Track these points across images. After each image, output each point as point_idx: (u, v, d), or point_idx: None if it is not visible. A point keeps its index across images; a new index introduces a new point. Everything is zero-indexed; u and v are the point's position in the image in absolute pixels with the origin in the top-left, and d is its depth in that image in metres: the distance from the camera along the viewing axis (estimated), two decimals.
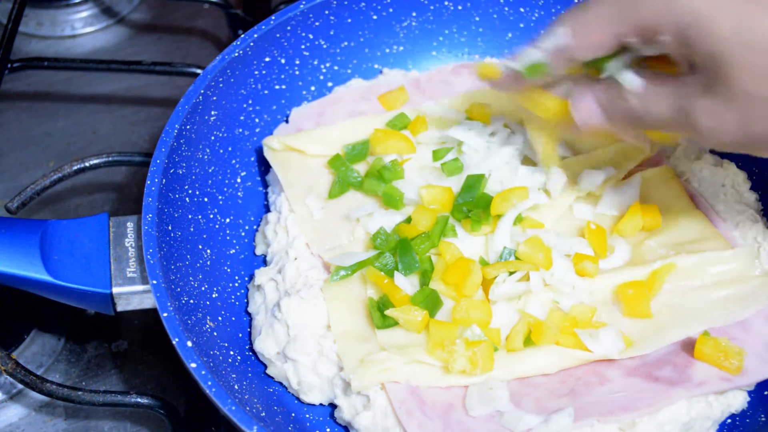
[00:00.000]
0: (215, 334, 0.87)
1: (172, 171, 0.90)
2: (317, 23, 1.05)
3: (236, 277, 0.96)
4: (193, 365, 0.76)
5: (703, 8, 0.67)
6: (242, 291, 0.96)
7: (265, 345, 0.88)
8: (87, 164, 0.99)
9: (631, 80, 0.75)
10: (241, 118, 1.01)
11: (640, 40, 0.73)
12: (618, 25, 0.73)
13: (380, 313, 0.84)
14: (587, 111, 0.79)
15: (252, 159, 1.03)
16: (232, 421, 0.74)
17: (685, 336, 0.85)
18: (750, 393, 0.86)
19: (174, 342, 0.77)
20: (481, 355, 0.80)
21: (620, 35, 0.73)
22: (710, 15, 0.67)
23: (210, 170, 0.97)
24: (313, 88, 1.08)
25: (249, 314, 0.94)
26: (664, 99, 0.73)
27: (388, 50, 1.11)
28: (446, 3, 1.11)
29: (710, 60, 0.68)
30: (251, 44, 0.99)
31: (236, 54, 0.98)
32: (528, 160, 0.95)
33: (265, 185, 1.03)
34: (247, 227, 1.00)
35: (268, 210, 1.01)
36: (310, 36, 1.06)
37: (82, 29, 1.36)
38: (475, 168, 0.94)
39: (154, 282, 0.81)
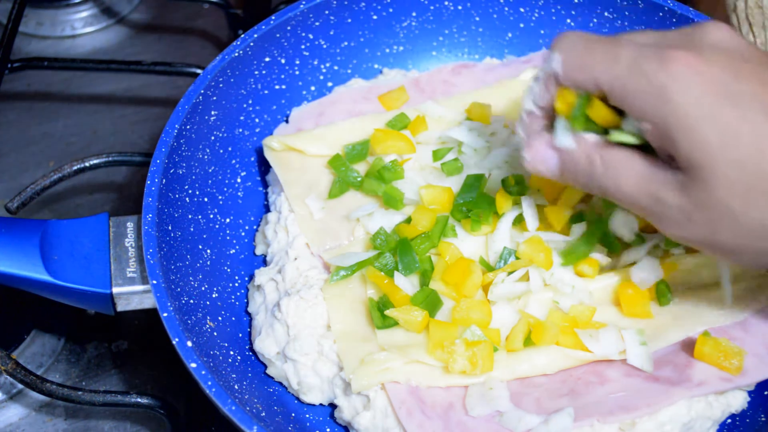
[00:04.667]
0: (215, 334, 0.87)
1: (172, 171, 0.90)
2: (317, 23, 1.05)
3: (236, 277, 0.96)
4: (193, 365, 0.76)
5: (694, 113, 0.66)
6: (242, 291, 0.96)
7: (265, 345, 0.88)
8: (87, 164, 0.99)
9: (592, 135, 0.73)
10: (241, 118, 1.01)
11: (620, 106, 0.70)
12: (607, 83, 0.70)
13: (380, 313, 0.84)
14: (541, 155, 0.76)
15: (252, 159, 1.03)
16: (232, 421, 0.74)
17: (685, 336, 0.85)
18: (750, 393, 0.86)
19: (174, 342, 0.77)
20: (480, 355, 0.80)
21: (605, 91, 0.70)
22: (700, 122, 0.65)
23: (210, 170, 0.97)
24: (313, 88, 1.08)
25: (249, 314, 0.94)
26: (634, 177, 0.71)
27: (388, 50, 1.12)
28: (446, 3, 1.11)
29: (690, 165, 0.67)
30: (251, 44, 0.99)
31: (236, 54, 0.98)
32: None
33: (265, 185, 1.03)
34: (247, 227, 1.00)
35: (268, 210, 1.01)
36: (310, 36, 1.06)
37: (82, 29, 1.36)
38: (475, 168, 0.94)
39: (154, 282, 0.81)
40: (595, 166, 0.73)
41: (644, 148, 0.71)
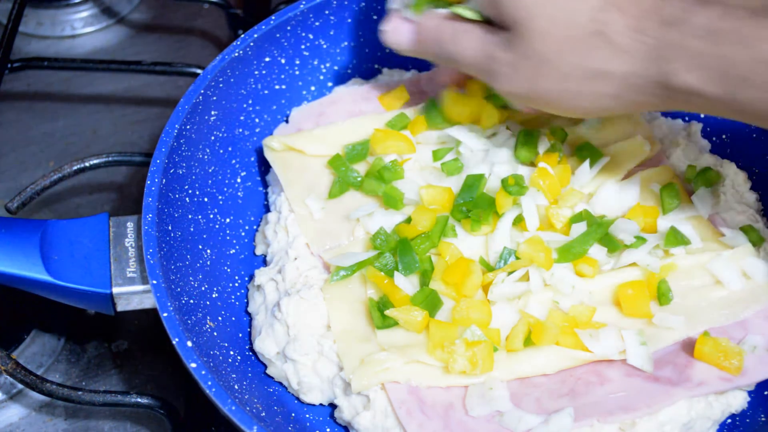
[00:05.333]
0: (215, 334, 0.87)
1: (172, 171, 0.90)
2: (317, 23, 1.05)
3: (236, 277, 0.96)
4: (193, 365, 0.76)
5: None
6: (242, 291, 0.96)
7: (265, 345, 0.88)
8: (87, 164, 0.99)
9: (443, 9, 0.84)
10: (241, 118, 1.01)
11: None
12: None
13: (380, 313, 0.84)
14: (396, 30, 0.88)
15: (252, 159, 1.03)
16: (232, 421, 0.74)
17: (685, 336, 0.85)
18: (750, 393, 0.86)
19: (174, 342, 0.77)
20: (480, 355, 0.80)
21: None
22: None
23: (210, 170, 0.97)
24: (313, 88, 1.08)
25: (249, 314, 0.94)
26: (474, 41, 0.82)
27: (388, 50, 1.11)
28: None
29: (513, 22, 0.77)
30: (251, 44, 0.99)
31: (236, 54, 0.98)
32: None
33: (265, 185, 1.03)
34: (247, 227, 1.00)
35: (268, 210, 1.01)
36: (310, 36, 1.06)
37: (82, 29, 1.36)
38: (475, 168, 0.94)
39: (154, 282, 0.81)
40: (443, 34, 0.84)
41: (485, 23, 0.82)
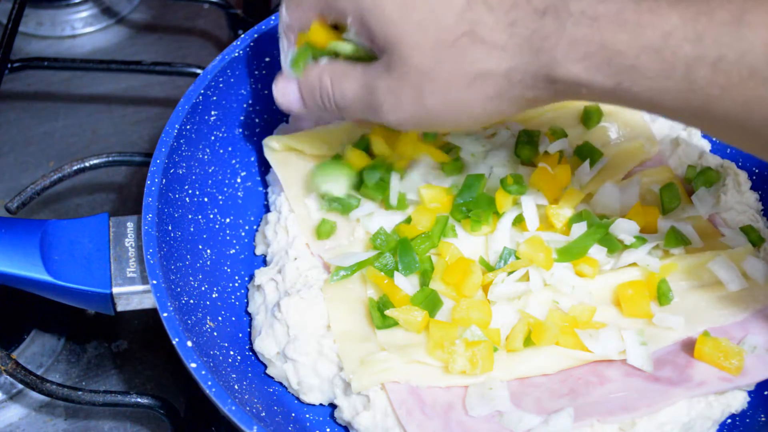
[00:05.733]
0: (215, 334, 0.87)
1: (172, 171, 0.90)
2: None
3: (236, 277, 0.96)
4: (193, 365, 0.76)
5: None
6: (242, 291, 0.96)
7: (265, 345, 0.88)
8: (87, 164, 0.99)
9: (323, 59, 0.80)
10: (241, 118, 1.01)
11: (337, 21, 0.78)
12: (317, 7, 0.79)
13: (380, 313, 0.84)
14: (282, 92, 0.84)
15: (252, 159, 1.03)
16: (232, 421, 0.74)
17: (685, 336, 0.85)
18: (750, 393, 0.86)
19: (174, 342, 0.77)
20: (480, 355, 0.80)
21: (320, 15, 0.79)
22: (380, 2, 0.72)
23: (210, 170, 0.97)
24: None
25: (249, 314, 0.94)
26: (353, 80, 0.77)
27: None
28: None
29: (385, 42, 0.73)
30: (251, 44, 0.99)
31: (236, 54, 0.98)
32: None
33: (265, 185, 1.03)
34: (247, 227, 1.00)
35: (268, 210, 1.01)
36: None
37: (82, 29, 1.36)
38: (475, 168, 0.94)
39: (154, 282, 0.81)
40: (324, 83, 0.80)
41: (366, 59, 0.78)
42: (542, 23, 0.68)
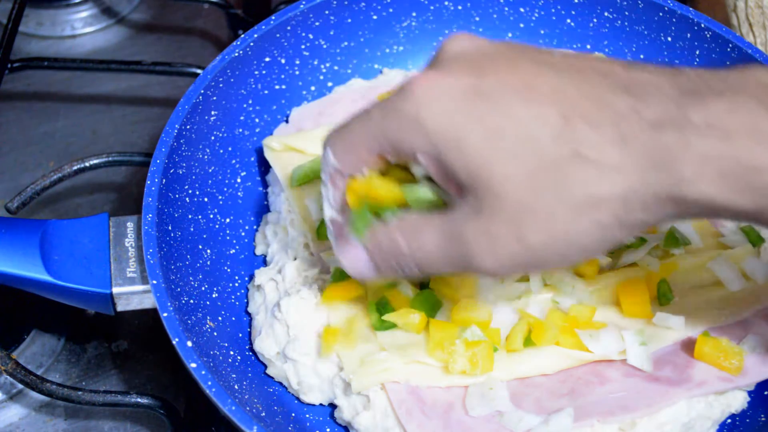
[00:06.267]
0: (215, 334, 0.87)
1: (172, 171, 0.90)
2: (317, 23, 1.05)
3: (236, 277, 0.96)
4: (193, 365, 0.76)
5: (449, 125, 0.62)
6: (242, 291, 0.96)
7: (265, 345, 0.88)
8: (87, 164, 0.99)
9: (390, 216, 0.69)
10: (241, 118, 1.01)
11: (400, 160, 0.67)
12: (373, 143, 0.67)
13: (378, 315, 0.84)
14: (351, 260, 0.72)
15: (252, 159, 1.03)
16: (232, 421, 0.74)
17: (685, 336, 0.85)
18: (750, 393, 0.86)
19: (174, 342, 0.77)
20: (480, 355, 0.80)
21: (380, 153, 0.67)
22: (458, 131, 0.62)
23: (210, 170, 0.97)
24: (313, 88, 1.08)
25: (249, 314, 0.94)
26: (433, 231, 0.66)
27: (388, 50, 1.12)
28: (446, 3, 1.11)
29: (470, 179, 0.63)
30: (251, 44, 0.99)
31: (236, 54, 0.98)
32: None
33: (265, 185, 1.03)
34: (247, 227, 1.00)
35: (268, 210, 1.01)
36: (310, 36, 1.06)
37: (82, 29, 1.36)
38: None
39: (154, 282, 0.81)
40: (398, 246, 0.68)
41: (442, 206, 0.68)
42: (661, 137, 0.59)
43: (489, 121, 0.62)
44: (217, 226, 0.96)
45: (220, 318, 0.90)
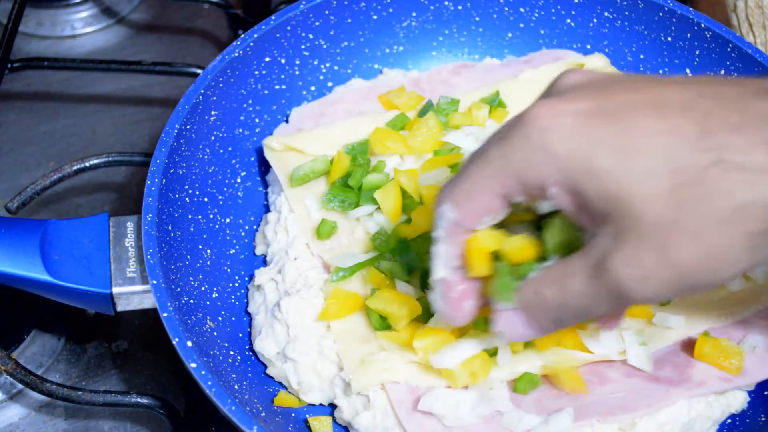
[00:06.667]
0: (215, 334, 0.87)
1: (172, 171, 0.90)
2: (317, 23, 1.05)
3: (236, 277, 0.96)
4: (193, 365, 0.76)
5: (578, 150, 0.60)
6: (242, 291, 0.96)
7: (265, 345, 0.88)
8: (87, 164, 0.99)
9: (533, 271, 0.67)
10: (241, 118, 1.01)
11: (528, 198, 0.64)
12: (497, 184, 0.64)
13: (378, 316, 0.84)
14: (509, 323, 0.68)
15: (252, 159, 1.03)
16: (232, 421, 0.74)
17: (685, 336, 0.85)
18: (750, 393, 0.86)
19: (174, 342, 0.77)
20: (479, 366, 0.80)
21: (506, 195, 0.65)
22: (588, 155, 0.60)
23: (210, 170, 0.97)
24: (313, 88, 1.08)
25: (249, 314, 0.94)
26: (578, 277, 0.63)
27: (388, 50, 1.12)
28: (446, 3, 1.11)
29: (607, 205, 0.60)
30: (251, 44, 0.99)
31: (236, 54, 0.98)
32: None
33: (265, 185, 1.03)
34: (247, 227, 1.00)
35: (268, 210, 1.01)
36: (310, 36, 1.06)
37: (82, 29, 1.36)
38: None
39: (154, 282, 0.81)
40: (550, 301, 0.65)
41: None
42: None
43: (620, 141, 0.59)
44: (217, 226, 0.96)
45: (220, 318, 0.90)
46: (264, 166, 1.02)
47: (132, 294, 0.85)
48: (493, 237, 0.68)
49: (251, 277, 0.95)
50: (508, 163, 0.63)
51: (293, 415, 0.87)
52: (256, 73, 1.02)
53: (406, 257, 0.86)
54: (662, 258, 0.59)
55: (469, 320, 0.72)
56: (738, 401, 0.84)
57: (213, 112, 0.97)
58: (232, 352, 0.88)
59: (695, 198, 0.58)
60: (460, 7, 1.11)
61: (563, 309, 0.65)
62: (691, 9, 1.03)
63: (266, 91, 1.04)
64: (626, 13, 1.07)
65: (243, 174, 1.01)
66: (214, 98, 0.97)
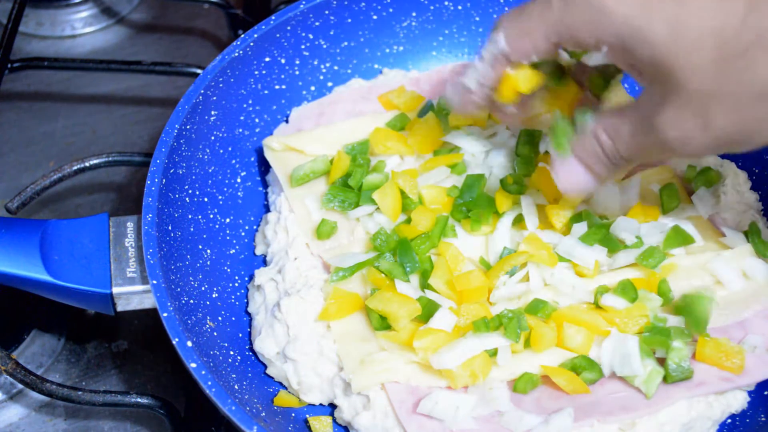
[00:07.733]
0: (215, 334, 0.87)
1: (172, 171, 0.90)
2: (317, 23, 1.05)
3: (236, 277, 0.96)
4: (193, 365, 0.76)
5: (634, 17, 0.66)
6: (242, 291, 0.96)
7: (265, 345, 0.88)
8: (87, 164, 0.99)
9: (589, 119, 0.75)
10: (241, 118, 1.01)
11: (579, 48, 0.72)
12: (552, 31, 0.71)
13: (378, 315, 0.84)
14: (569, 179, 0.77)
15: (252, 159, 1.03)
16: (232, 421, 0.74)
17: None
18: (750, 393, 0.86)
19: (174, 342, 0.77)
20: (479, 367, 0.80)
21: (554, 41, 0.72)
22: (643, 22, 0.66)
23: (210, 170, 0.97)
24: (313, 88, 1.08)
25: (249, 314, 0.94)
26: (629, 126, 0.72)
27: (388, 50, 1.12)
28: (446, 3, 1.11)
29: (654, 67, 0.67)
30: (251, 44, 0.99)
31: (236, 54, 0.98)
32: None
33: (265, 185, 1.03)
34: (247, 227, 1.00)
35: (268, 210, 1.01)
36: (310, 36, 1.06)
37: (82, 29, 1.36)
38: (476, 168, 0.94)
39: (154, 282, 0.81)
40: (605, 144, 0.73)
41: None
42: None
43: (674, 13, 0.64)
44: (217, 226, 0.96)
45: (220, 318, 0.90)
46: (264, 166, 1.02)
47: (132, 294, 0.85)
48: (530, 79, 0.75)
49: (251, 277, 0.95)
50: (568, 15, 0.69)
51: (293, 415, 0.87)
52: (256, 73, 1.02)
53: (406, 257, 0.86)
54: (702, 123, 0.66)
55: (474, 112, 0.82)
56: (738, 401, 0.84)
57: (213, 112, 0.97)
58: (232, 352, 0.88)
59: (735, 73, 0.64)
60: (460, 7, 1.11)
61: (615, 154, 0.73)
62: None
63: (266, 91, 1.04)
64: None
65: (243, 174, 1.01)
66: (214, 98, 0.97)
